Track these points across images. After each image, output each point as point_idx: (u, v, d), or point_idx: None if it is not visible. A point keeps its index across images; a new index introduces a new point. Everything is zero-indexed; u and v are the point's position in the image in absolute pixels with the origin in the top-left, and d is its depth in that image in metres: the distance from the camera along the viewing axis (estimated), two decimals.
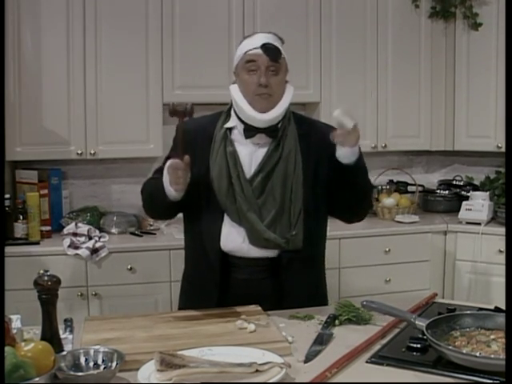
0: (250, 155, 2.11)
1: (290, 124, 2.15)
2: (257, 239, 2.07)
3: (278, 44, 2.09)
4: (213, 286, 2.13)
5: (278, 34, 2.13)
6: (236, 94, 2.10)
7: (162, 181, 2.02)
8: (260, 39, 2.07)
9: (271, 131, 2.09)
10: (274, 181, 2.08)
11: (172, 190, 1.99)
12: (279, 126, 2.11)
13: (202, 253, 2.13)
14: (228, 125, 2.14)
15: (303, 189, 2.10)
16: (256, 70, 2.05)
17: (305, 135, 2.15)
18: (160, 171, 2.19)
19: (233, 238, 2.10)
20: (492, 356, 1.53)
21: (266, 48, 2.04)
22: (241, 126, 2.11)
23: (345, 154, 2.00)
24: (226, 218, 2.10)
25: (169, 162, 1.98)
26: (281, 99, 2.09)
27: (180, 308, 2.26)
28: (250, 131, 2.09)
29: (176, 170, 1.94)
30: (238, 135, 2.13)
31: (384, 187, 4.29)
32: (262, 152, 2.10)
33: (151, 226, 3.71)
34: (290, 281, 2.12)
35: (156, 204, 2.15)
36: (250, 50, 2.06)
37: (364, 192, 2.18)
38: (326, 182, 2.12)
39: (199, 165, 2.10)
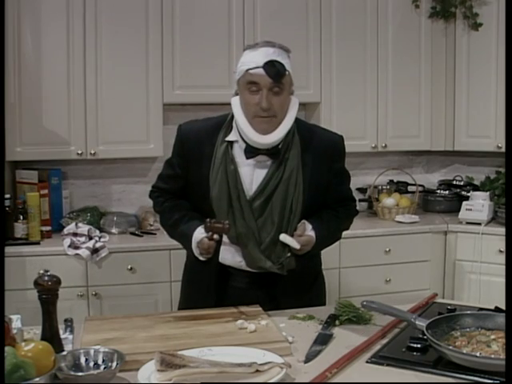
0: (251, 173, 2.07)
1: (294, 141, 2.08)
2: (252, 264, 2.09)
3: (282, 58, 1.98)
4: (210, 292, 2.15)
5: (284, 46, 2.02)
6: (237, 110, 2.03)
7: (189, 242, 2.05)
8: (263, 56, 1.95)
9: (272, 153, 2.04)
10: (274, 203, 2.05)
11: (202, 258, 2.05)
12: (280, 146, 2.05)
13: (200, 264, 2.11)
14: (229, 138, 2.08)
15: (302, 207, 2.07)
16: (258, 91, 1.96)
17: (308, 149, 2.10)
18: (166, 182, 2.21)
19: (230, 257, 2.12)
20: (492, 356, 1.53)
21: (269, 67, 1.93)
22: (242, 144, 2.06)
23: None
24: (225, 236, 2.08)
25: (197, 240, 2.01)
26: (284, 118, 2.01)
27: (180, 307, 2.27)
28: (250, 152, 2.04)
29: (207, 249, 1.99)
30: (238, 149, 2.07)
31: (384, 187, 4.29)
32: (263, 171, 2.06)
33: (151, 226, 3.71)
34: (287, 295, 2.14)
35: (183, 246, 2.18)
36: (252, 68, 1.96)
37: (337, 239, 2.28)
38: (323, 198, 2.13)
39: (200, 176, 2.09)
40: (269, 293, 2.14)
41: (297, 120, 2.10)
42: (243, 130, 2.01)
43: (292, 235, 2.04)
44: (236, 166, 2.05)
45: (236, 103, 2.04)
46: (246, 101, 1.99)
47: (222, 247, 2.08)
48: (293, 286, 2.13)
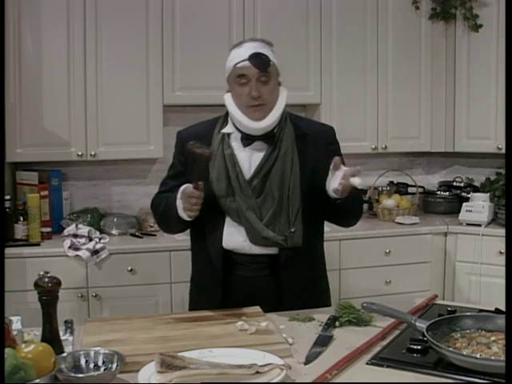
0: (249, 158, 2.13)
1: (287, 125, 2.17)
2: (256, 238, 2.10)
3: (266, 51, 2.10)
4: (216, 284, 2.15)
5: (266, 40, 2.15)
6: (230, 103, 2.13)
7: (174, 201, 2.03)
8: (247, 50, 2.08)
9: (268, 137, 2.12)
10: (272, 180, 2.11)
11: (185, 216, 2.02)
12: (275, 130, 2.13)
13: (206, 254, 2.16)
14: (225, 130, 2.16)
15: (301, 187, 2.12)
16: (247, 83, 2.07)
17: (302, 135, 2.18)
18: (167, 184, 2.23)
19: (234, 238, 2.13)
20: (492, 358, 1.53)
21: (254, 59, 2.05)
22: (238, 135, 2.14)
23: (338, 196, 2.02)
24: (228, 219, 2.12)
25: (182, 188, 2.00)
26: (275, 105, 2.11)
27: (190, 308, 2.30)
28: (247, 139, 2.12)
29: (190, 198, 1.96)
30: (235, 141, 2.15)
31: (384, 188, 4.28)
32: (259, 155, 2.13)
33: (151, 227, 3.71)
34: (290, 278, 2.14)
35: (171, 223, 2.17)
36: (239, 62, 2.07)
37: (352, 214, 2.23)
38: (323, 181, 2.13)
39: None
40: (274, 279, 2.14)
41: (289, 113, 2.20)
42: (238, 118, 2.10)
43: (288, 214, 2.09)
44: (233, 150, 2.13)
45: (229, 99, 2.14)
46: (237, 93, 2.10)
47: (225, 231, 2.11)
48: (296, 271, 2.14)
